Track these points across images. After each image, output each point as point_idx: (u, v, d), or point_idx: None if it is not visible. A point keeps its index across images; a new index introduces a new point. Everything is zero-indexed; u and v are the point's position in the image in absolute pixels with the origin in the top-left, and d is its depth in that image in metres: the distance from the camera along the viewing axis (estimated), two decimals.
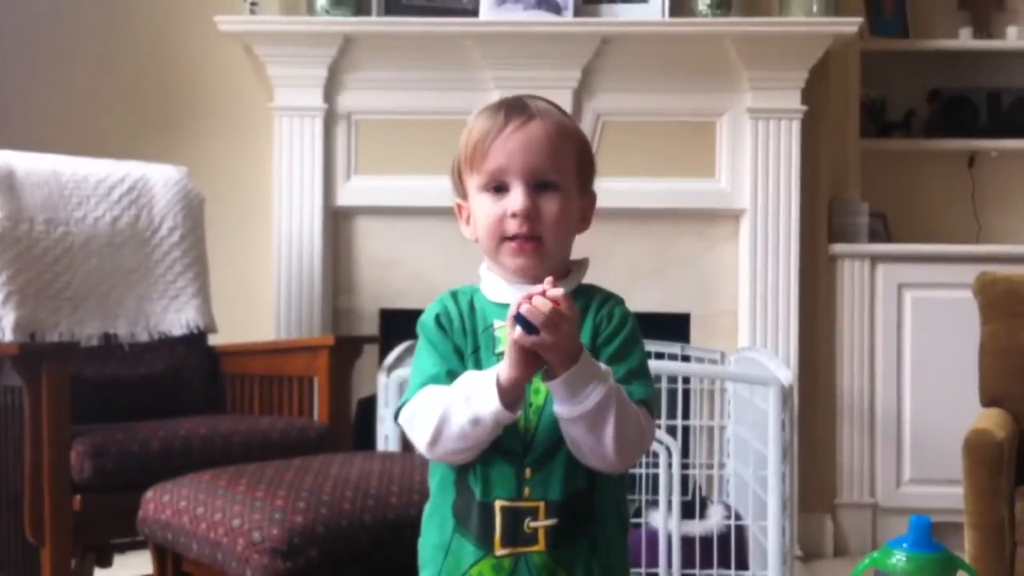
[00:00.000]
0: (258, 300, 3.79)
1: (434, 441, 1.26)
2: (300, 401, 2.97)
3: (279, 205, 3.76)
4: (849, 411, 3.80)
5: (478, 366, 1.31)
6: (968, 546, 2.58)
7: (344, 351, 2.91)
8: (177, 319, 3.17)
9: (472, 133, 1.34)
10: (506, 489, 1.27)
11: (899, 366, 3.79)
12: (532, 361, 1.20)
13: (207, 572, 2.11)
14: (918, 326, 3.78)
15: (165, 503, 2.15)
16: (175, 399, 3.05)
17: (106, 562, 2.90)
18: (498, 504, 1.27)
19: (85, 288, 3.03)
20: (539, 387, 1.27)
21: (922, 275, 3.80)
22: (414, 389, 1.31)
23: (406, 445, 2.85)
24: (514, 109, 1.32)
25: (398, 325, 3.63)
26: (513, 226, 1.30)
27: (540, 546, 1.26)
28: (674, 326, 3.73)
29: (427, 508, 1.37)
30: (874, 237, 3.95)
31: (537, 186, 1.31)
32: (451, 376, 1.29)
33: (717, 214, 3.78)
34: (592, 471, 1.28)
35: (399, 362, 3.01)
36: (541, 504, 1.27)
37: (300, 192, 3.76)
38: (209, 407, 3.12)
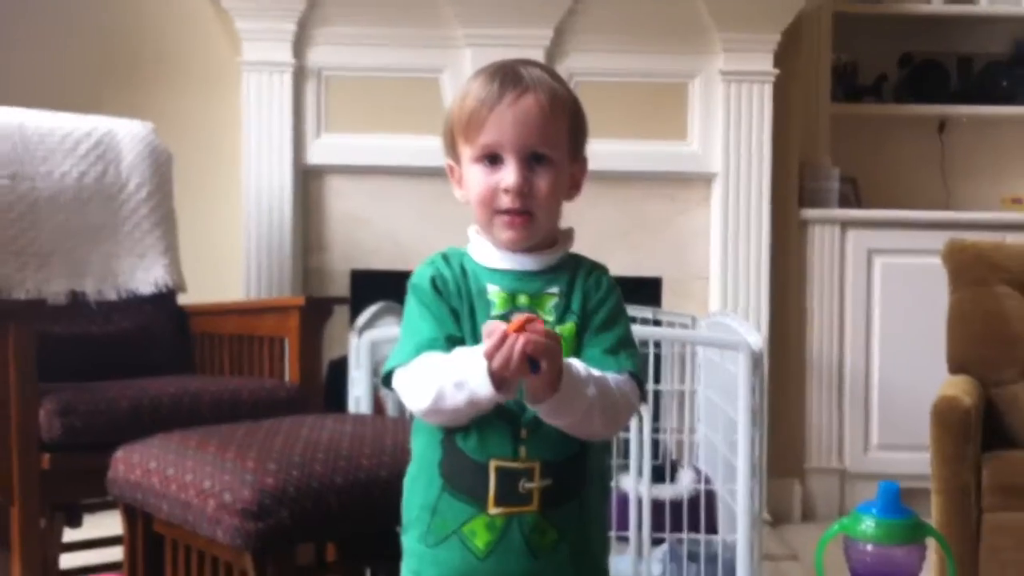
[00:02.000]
0: (227, 259, 3.76)
1: (430, 414, 1.28)
2: (271, 362, 2.95)
3: (248, 163, 3.73)
4: (818, 376, 3.83)
5: (474, 328, 1.31)
6: (935, 512, 2.61)
7: (315, 312, 2.90)
8: (145, 277, 3.13)
9: (466, 101, 1.33)
10: (502, 449, 1.28)
11: (868, 332, 3.82)
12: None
13: (178, 533, 2.10)
14: (887, 292, 3.81)
15: (135, 463, 2.14)
16: (144, 358, 3.02)
17: (76, 522, 2.88)
18: (493, 464, 1.28)
19: (51, 245, 2.99)
20: None
21: (892, 241, 3.83)
22: (409, 353, 1.30)
23: (377, 407, 2.85)
24: (509, 80, 1.32)
25: (369, 285, 3.61)
26: (506, 201, 1.31)
27: (534, 506, 1.27)
28: (645, 290, 3.74)
29: (411, 470, 1.37)
30: (844, 202, 3.96)
31: (530, 160, 1.31)
32: (448, 341, 1.30)
33: (688, 177, 3.78)
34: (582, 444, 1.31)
35: (370, 323, 3.00)
36: (536, 465, 1.28)
37: (269, 150, 3.72)
38: (178, 367, 3.09)
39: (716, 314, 3.55)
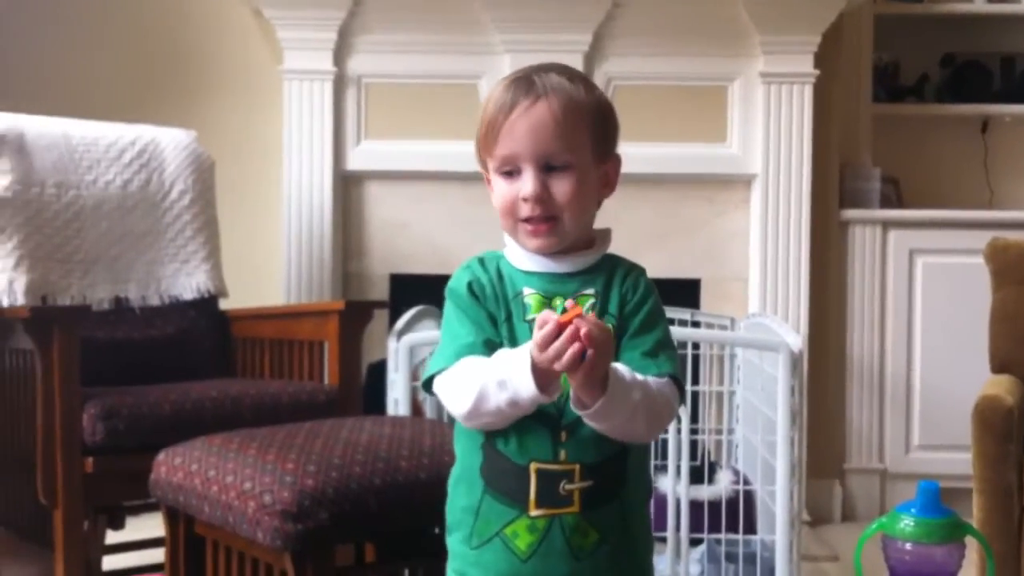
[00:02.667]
0: (268, 264, 3.80)
1: (471, 416, 1.28)
2: (310, 365, 2.97)
3: (289, 169, 3.76)
4: (859, 377, 3.80)
5: (511, 333, 1.32)
6: (976, 511, 2.58)
7: (354, 315, 2.91)
8: (188, 283, 3.17)
9: (485, 114, 1.34)
10: (541, 452, 1.28)
11: (909, 332, 3.79)
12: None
13: (219, 534, 2.12)
14: (929, 292, 3.77)
15: (177, 466, 2.16)
16: (185, 363, 3.06)
17: (118, 524, 2.92)
18: (533, 466, 1.28)
19: (96, 252, 3.04)
20: None
21: (933, 241, 3.79)
22: (448, 358, 1.31)
23: (416, 409, 2.86)
24: (520, 90, 1.32)
25: (408, 290, 3.64)
26: (526, 210, 1.31)
27: (575, 507, 1.28)
28: (684, 292, 3.73)
29: (454, 472, 1.38)
30: (886, 203, 3.93)
31: (548, 168, 1.31)
32: (487, 345, 1.30)
33: (728, 179, 3.77)
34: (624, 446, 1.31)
35: (409, 327, 3.01)
36: (576, 467, 1.28)
37: (310, 156, 3.75)
38: (219, 371, 3.13)
39: (755, 315, 3.54)
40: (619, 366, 1.25)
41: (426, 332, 3.04)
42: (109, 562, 2.86)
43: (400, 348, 2.88)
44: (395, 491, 1.98)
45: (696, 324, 3.49)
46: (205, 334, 3.17)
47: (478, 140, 1.37)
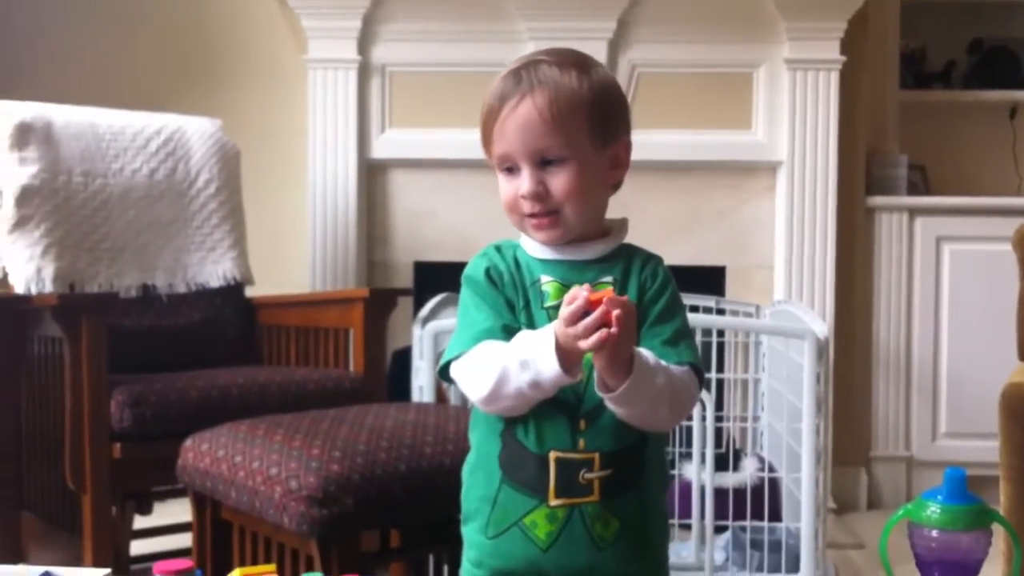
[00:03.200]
0: (293, 252, 3.81)
1: (491, 399, 1.26)
2: (335, 352, 2.99)
3: (313, 158, 3.77)
4: (885, 364, 3.78)
5: (529, 320, 1.31)
6: (1003, 499, 2.56)
7: (379, 303, 2.92)
8: (214, 271, 3.19)
9: (481, 111, 1.34)
10: (560, 441, 1.27)
11: (936, 320, 3.77)
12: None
13: (245, 519, 2.14)
14: (956, 279, 3.75)
15: (204, 452, 2.18)
16: (212, 350, 3.08)
17: (146, 510, 2.94)
18: (552, 455, 1.27)
19: (123, 240, 3.06)
20: None
21: (961, 228, 3.76)
22: (466, 343, 1.30)
23: (440, 396, 2.87)
24: (508, 88, 1.31)
25: (432, 277, 3.64)
26: (526, 207, 1.31)
27: (594, 496, 1.27)
28: (709, 279, 3.72)
29: (469, 461, 1.37)
30: (912, 190, 3.91)
31: (544, 162, 1.30)
32: (505, 330, 1.29)
33: (753, 167, 3.75)
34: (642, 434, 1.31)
35: (433, 314, 3.02)
36: (596, 455, 1.27)
37: (334, 145, 3.76)
38: (245, 358, 3.15)
39: (781, 303, 3.53)
40: (643, 350, 1.24)
41: (450, 319, 3.04)
42: (137, 547, 2.89)
43: (424, 335, 2.89)
44: (420, 477, 1.99)
45: (721, 312, 3.48)
46: (231, 322, 3.19)
47: (482, 129, 1.36)
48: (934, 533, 1.09)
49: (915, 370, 3.77)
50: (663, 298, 1.33)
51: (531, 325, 1.30)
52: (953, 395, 3.75)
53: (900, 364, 3.77)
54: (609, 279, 1.33)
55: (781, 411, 3.02)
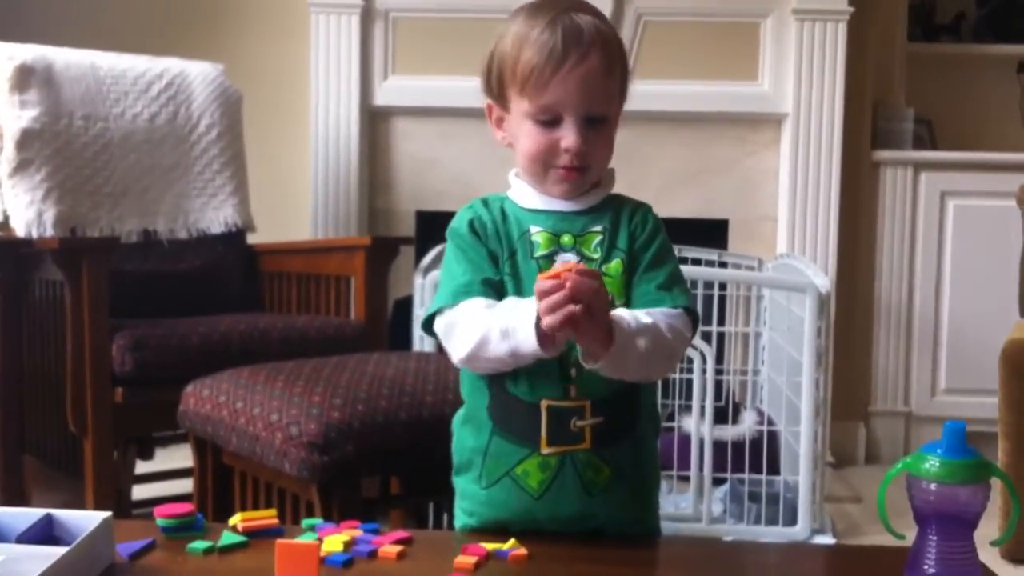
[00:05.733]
0: (295, 199, 3.80)
1: (470, 361, 1.27)
2: (337, 300, 2.99)
3: (316, 105, 3.74)
4: (886, 319, 3.78)
5: (515, 270, 1.31)
6: (1001, 456, 2.58)
7: (380, 251, 2.92)
8: (215, 217, 3.18)
9: (524, 53, 1.29)
10: (551, 390, 1.27)
11: (939, 275, 3.76)
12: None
13: (246, 464, 2.15)
14: (960, 235, 3.74)
15: (205, 397, 2.19)
16: (213, 296, 3.08)
17: (148, 454, 2.96)
18: (544, 404, 1.27)
19: (124, 184, 3.05)
20: None
21: (966, 183, 3.75)
22: (445, 298, 1.30)
23: (440, 347, 2.87)
24: (571, 38, 1.27)
25: (435, 226, 3.62)
26: (564, 159, 1.29)
27: (586, 444, 1.27)
28: (712, 232, 3.71)
29: (460, 414, 1.38)
30: (918, 144, 3.88)
31: (588, 119, 1.29)
32: (485, 284, 1.29)
33: (759, 118, 3.73)
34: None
35: (435, 263, 3.02)
36: (587, 403, 1.27)
37: (337, 91, 3.74)
38: (247, 305, 3.15)
39: (783, 256, 3.52)
40: (623, 314, 1.24)
41: None
42: (138, 491, 2.91)
43: (426, 284, 2.89)
44: (420, 425, 1.99)
45: (723, 265, 3.48)
46: (232, 268, 3.18)
47: (504, 74, 1.32)
48: (932, 486, 1.09)
49: (916, 325, 3.77)
50: (654, 244, 1.34)
51: (516, 275, 1.30)
52: (953, 351, 3.75)
53: (901, 319, 3.77)
54: (599, 228, 1.33)
55: (781, 365, 3.02)
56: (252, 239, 3.28)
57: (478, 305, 1.27)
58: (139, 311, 2.76)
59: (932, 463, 1.09)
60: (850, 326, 3.74)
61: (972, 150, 3.83)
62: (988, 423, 2.76)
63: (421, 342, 2.87)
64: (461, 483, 1.37)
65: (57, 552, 1.04)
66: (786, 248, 3.66)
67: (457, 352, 1.28)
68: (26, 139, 2.87)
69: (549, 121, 1.29)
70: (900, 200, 3.76)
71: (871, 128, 3.80)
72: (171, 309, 2.87)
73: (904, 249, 3.76)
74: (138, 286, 2.92)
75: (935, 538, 1.11)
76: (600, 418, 1.27)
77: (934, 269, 3.76)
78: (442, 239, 3.29)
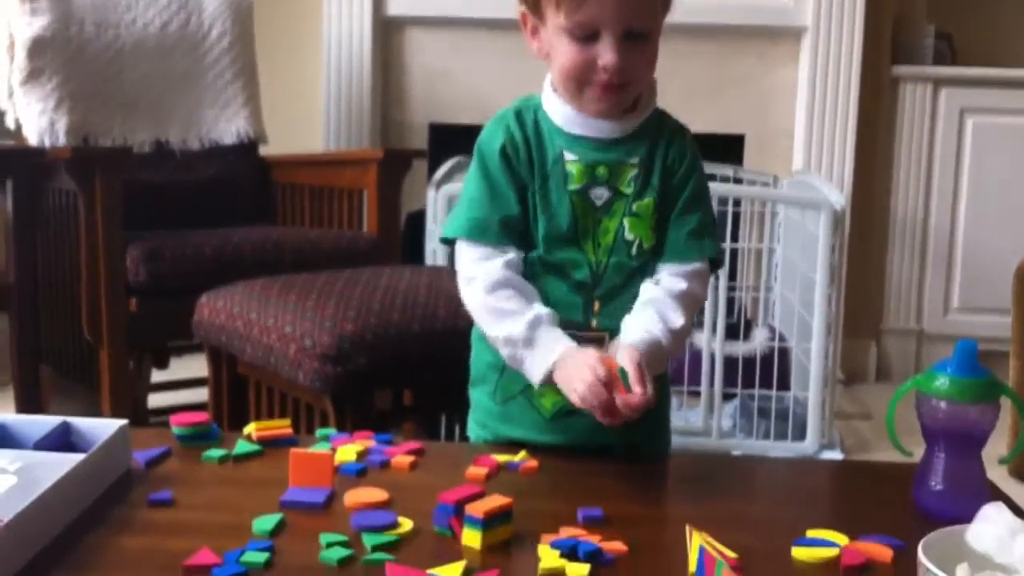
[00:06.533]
0: (307, 111, 3.77)
1: (481, 331, 1.32)
2: (349, 213, 2.98)
3: (328, 14, 3.70)
4: (901, 237, 3.76)
5: (545, 200, 1.28)
6: (1012, 375, 2.58)
7: (393, 164, 2.90)
8: (227, 127, 3.17)
9: None
10: (573, 321, 1.27)
11: (955, 193, 3.73)
12: None
13: (261, 375, 2.16)
14: (978, 152, 3.70)
15: (219, 308, 2.20)
16: (226, 208, 3.08)
17: (163, 364, 2.99)
18: (564, 331, 1.25)
19: (136, 94, 3.03)
20: (608, 226, 1.28)
21: (985, 100, 3.70)
22: (461, 226, 1.30)
23: (453, 259, 2.87)
24: None
25: (448, 139, 3.61)
26: (602, 77, 1.23)
27: None
28: (728, 147, 3.68)
29: (478, 327, 1.36)
30: (939, 59, 3.83)
31: (628, 35, 1.22)
32: (503, 226, 1.27)
33: (777, 32, 3.67)
34: None
35: (448, 177, 3.00)
36: (607, 334, 1.27)
37: (349, 0, 3.69)
38: (259, 217, 3.15)
39: (799, 173, 3.50)
40: (641, 332, 1.23)
41: None
42: (154, 400, 2.94)
43: (439, 198, 2.88)
44: (433, 339, 2.00)
45: (739, 181, 3.46)
46: (245, 180, 3.18)
47: None
48: (942, 404, 1.09)
49: (931, 243, 3.76)
50: (690, 184, 1.30)
51: (547, 205, 1.28)
52: (967, 269, 3.74)
53: (916, 237, 3.76)
54: (634, 160, 1.29)
55: (794, 282, 3.02)
56: (264, 151, 3.26)
57: (504, 300, 1.26)
58: (152, 222, 2.76)
59: (942, 381, 1.10)
60: (864, 243, 3.73)
61: (993, 66, 3.77)
62: (1000, 342, 2.76)
63: (434, 256, 2.87)
64: (476, 395, 1.38)
65: (74, 459, 1.05)
66: (802, 164, 3.63)
67: (470, 312, 1.30)
68: (37, 47, 2.84)
69: (586, 37, 1.22)
70: (919, 117, 3.72)
71: (891, 43, 3.75)
72: (183, 220, 2.87)
73: (921, 166, 3.73)
74: (150, 197, 2.91)
75: (943, 456, 1.12)
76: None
77: (951, 187, 3.73)
78: (455, 152, 3.28)
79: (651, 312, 1.25)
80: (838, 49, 3.60)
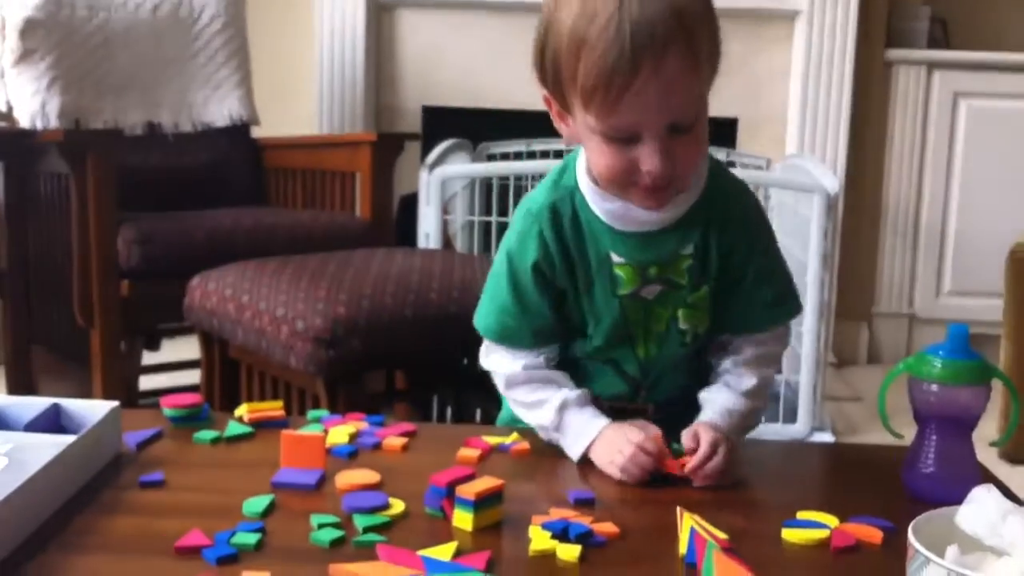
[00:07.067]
0: (300, 94, 3.76)
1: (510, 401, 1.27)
2: (342, 196, 2.98)
3: None
4: (893, 220, 3.77)
5: (592, 303, 1.20)
6: (1004, 358, 2.59)
7: (386, 147, 2.90)
8: (219, 110, 3.16)
9: (584, 64, 1.04)
10: (618, 397, 1.24)
11: (948, 176, 3.74)
12: None
13: (252, 358, 2.16)
14: (971, 136, 3.70)
15: (211, 291, 2.19)
16: (218, 191, 3.07)
17: (154, 346, 2.98)
18: (606, 403, 1.22)
19: (128, 76, 3.02)
20: (660, 314, 1.21)
21: (979, 84, 3.70)
22: (490, 327, 1.23)
23: (446, 243, 2.87)
24: (643, 39, 1.01)
25: (441, 122, 3.60)
26: (646, 179, 1.08)
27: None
28: (720, 131, 3.67)
29: None
30: (933, 43, 3.82)
31: (672, 129, 1.06)
32: (535, 336, 1.21)
33: (771, 15, 3.66)
34: (702, 371, 1.27)
35: (441, 160, 2.99)
36: (649, 406, 1.24)
37: None
38: (251, 200, 3.14)
39: (792, 156, 3.49)
40: (721, 411, 1.18)
41: (458, 165, 3.02)
42: (145, 382, 2.94)
43: (432, 181, 2.87)
44: (426, 322, 2.00)
45: (731, 164, 3.45)
46: (237, 163, 3.17)
47: (561, 73, 1.08)
48: (934, 387, 1.09)
49: (923, 227, 3.76)
50: (756, 256, 1.20)
51: (593, 307, 1.20)
52: (960, 253, 3.74)
53: (908, 221, 3.76)
54: (689, 249, 1.18)
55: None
56: (257, 134, 3.25)
57: (517, 381, 1.22)
58: (144, 205, 2.76)
59: (934, 364, 1.10)
60: (857, 226, 3.73)
61: (987, 50, 3.77)
62: (991, 325, 2.77)
63: (427, 239, 2.87)
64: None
65: (64, 441, 1.05)
66: (795, 148, 3.63)
67: (500, 384, 1.26)
68: (29, 28, 2.83)
69: (624, 139, 1.07)
70: (912, 100, 3.72)
71: (885, 26, 3.74)
72: (175, 203, 2.87)
73: (915, 150, 3.73)
74: (143, 180, 2.90)
75: (934, 438, 1.12)
76: (661, 415, 1.23)
77: (943, 171, 3.73)
78: (448, 135, 3.27)
79: (719, 383, 1.22)
80: (832, 32, 3.59)
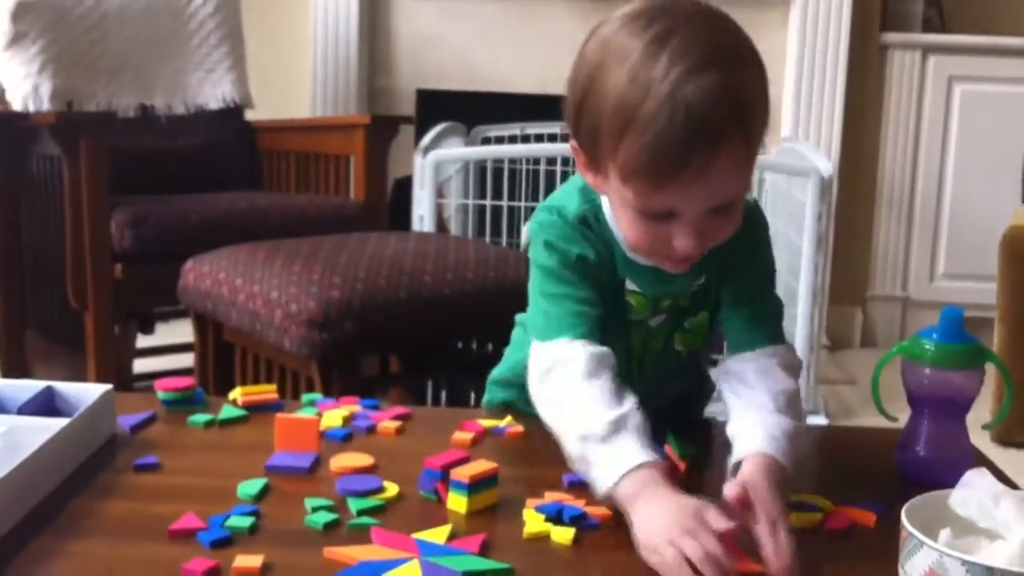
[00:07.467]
0: (294, 77, 3.75)
1: (542, 411, 1.09)
2: (336, 179, 2.97)
3: None
4: (888, 204, 3.77)
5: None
6: (997, 340, 2.60)
7: (380, 130, 2.89)
8: (213, 92, 3.15)
9: (628, 137, 0.96)
10: None
11: (942, 160, 3.74)
12: None
13: (247, 341, 2.16)
14: (966, 120, 3.70)
15: (204, 273, 2.19)
16: (212, 174, 3.06)
17: (148, 329, 2.98)
18: None
19: (121, 58, 3.00)
20: (657, 334, 1.18)
21: (974, 68, 3.70)
22: (556, 329, 1.08)
23: (441, 226, 2.87)
24: (697, 127, 0.93)
25: (435, 105, 3.59)
26: (677, 254, 1.02)
27: None
28: None
29: (500, 372, 1.33)
30: (928, 27, 3.82)
31: (711, 211, 1.00)
32: (596, 320, 1.09)
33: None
34: (701, 376, 1.28)
35: (435, 143, 2.99)
36: (685, 463, 1.17)
37: None
38: (245, 183, 3.13)
39: (787, 140, 3.49)
40: (770, 441, 1.01)
41: (452, 149, 3.02)
42: (139, 365, 2.94)
43: (426, 164, 2.86)
44: (419, 305, 2.00)
45: None
46: (231, 145, 3.16)
47: (601, 140, 0.99)
48: (927, 370, 1.10)
49: (917, 210, 3.76)
50: (755, 269, 1.17)
51: (607, 329, 1.12)
52: (954, 236, 3.75)
53: (903, 204, 3.76)
54: (702, 280, 1.15)
55: (780, 248, 3.02)
56: (251, 116, 3.24)
57: (584, 393, 1.03)
58: (137, 188, 2.75)
59: (928, 347, 1.10)
60: (851, 210, 3.73)
61: (982, 34, 3.76)
62: (985, 308, 2.77)
63: (420, 222, 2.87)
64: (505, 393, 1.33)
65: (58, 424, 1.05)
66: (790, 132, 3.62)
67: (532, 393, 1.10)
68: (21, 11, 2.82)
69: (659, 217, 1.01)
70: (907, 84, 3.71)
71: (880, 10, 3.73)
72: (169, 186, 2.86)
73: (909, 134, 3.73)
74: (136, 163, 2.90)
75: (927, 421, 1.12)
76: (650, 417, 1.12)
77: (938, 154, 3.73)
78: (442, 118, 3.26)
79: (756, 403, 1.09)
80: (827, 16, 3.58)
